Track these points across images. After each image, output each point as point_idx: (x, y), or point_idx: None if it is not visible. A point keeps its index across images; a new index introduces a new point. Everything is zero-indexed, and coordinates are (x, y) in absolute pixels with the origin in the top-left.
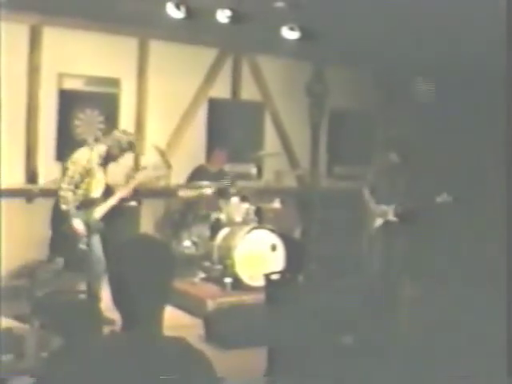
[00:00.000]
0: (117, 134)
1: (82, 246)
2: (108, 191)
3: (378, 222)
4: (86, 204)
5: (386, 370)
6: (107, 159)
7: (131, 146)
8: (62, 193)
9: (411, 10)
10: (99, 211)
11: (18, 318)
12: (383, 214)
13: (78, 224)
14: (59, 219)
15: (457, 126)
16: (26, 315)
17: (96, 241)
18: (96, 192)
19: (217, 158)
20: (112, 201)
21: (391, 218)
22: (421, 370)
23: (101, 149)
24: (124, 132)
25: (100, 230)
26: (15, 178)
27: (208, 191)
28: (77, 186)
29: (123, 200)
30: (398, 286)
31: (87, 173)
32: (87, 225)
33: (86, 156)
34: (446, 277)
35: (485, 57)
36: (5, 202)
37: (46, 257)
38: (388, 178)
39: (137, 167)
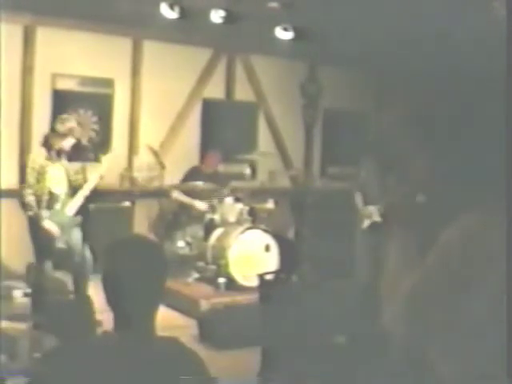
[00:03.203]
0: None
1: (61, 245)
2: (75, 187)
3: (366, 223)
4: (52, 202)
5: (379, 370)
6: (52, 151)
7: (69, 130)
8: (25, 200)
9: (404, 10)
10: (71, 207)
11: (11, 318)
12: (369, 215)
13: (49, 225)
14: (34, 225)
15: (454, 126)
16: (20, 316)
17: (76, 237)
18: (56, 188)
19: (210, 159)
20: (81, 194)
21: (376, 218)
22: (418, 370)
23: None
24: (60, 118)
25: (77, 225)
26: (9, 179)
27: (198, 203)
28: (34, 188)
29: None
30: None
31: (39, 172)
32: (61, 223)
33: (32, 156)
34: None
35: (484, 56)
36: None
37: (35, 261)
38: (376, 179)
39: (130, 167)
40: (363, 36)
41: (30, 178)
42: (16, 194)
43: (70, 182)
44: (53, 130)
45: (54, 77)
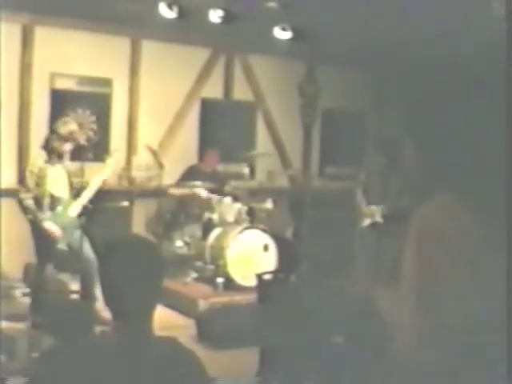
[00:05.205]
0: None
1: (61, 247)
2: (77, 188)
3: (366, 222)
4: (54, 205)
5: (378, 370)
6: (53, 154)
7: (71, 133)
8: (24, 203)
9: (403, 9)
10: (73, 208)
11: (9, 318)
12: (371, 215)
13: (50, 226)
14: (35, 227)
15: (454, 125)
16: (19, 315)
17: (78, 238)
18: (57, 191)
19: (209, 158)
20: (85, 195)
21: (378, 219)
22: (418, 370)
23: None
24: (62, 121)
25: (80, 226)
26: (7, 179)
27: (200, 191)
28: (34, 192)
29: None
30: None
31: (37, 175)
32: (62, 225)
33: (31, 160)
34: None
35: (483, 55)
36: None
37: (37, 263)
38: (379, 179)
39: (129, 167)
40: (362, 36)
41: (29, 181)
42: (15, 194)
43: (71, 183)
44: (53, 132)
45: (53, 76)
